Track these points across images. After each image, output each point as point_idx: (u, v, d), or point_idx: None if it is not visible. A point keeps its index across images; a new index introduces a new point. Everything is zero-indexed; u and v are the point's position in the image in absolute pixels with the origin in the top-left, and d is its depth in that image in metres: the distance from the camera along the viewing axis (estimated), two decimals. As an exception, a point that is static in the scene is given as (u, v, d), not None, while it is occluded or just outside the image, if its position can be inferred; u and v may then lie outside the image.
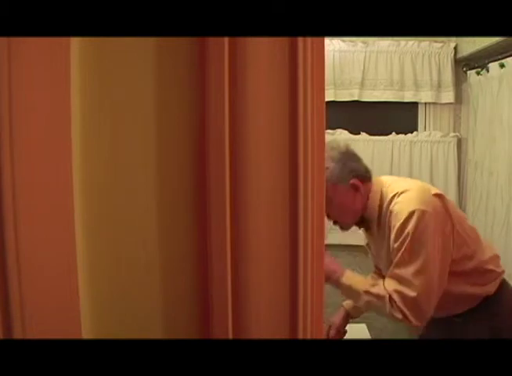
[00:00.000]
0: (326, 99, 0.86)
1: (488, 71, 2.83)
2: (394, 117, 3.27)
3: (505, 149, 2.66)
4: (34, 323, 0.76)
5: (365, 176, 1.75)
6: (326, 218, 1.71)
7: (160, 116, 0.81)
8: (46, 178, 0.75)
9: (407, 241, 1.58)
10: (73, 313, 0.78)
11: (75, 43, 0.76)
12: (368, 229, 1.83)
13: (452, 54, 3.08)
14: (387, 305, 1.59)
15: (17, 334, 0.75)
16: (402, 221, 1.60)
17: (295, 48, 0.78)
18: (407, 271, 1.58)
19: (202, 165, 0.81)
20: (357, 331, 2.10)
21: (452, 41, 3.07)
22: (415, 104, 3.23)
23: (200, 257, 0.83)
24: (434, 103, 3.17)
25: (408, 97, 3.12)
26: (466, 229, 1.72)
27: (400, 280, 1.59)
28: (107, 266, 0.82)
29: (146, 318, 0.84)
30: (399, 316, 1.59)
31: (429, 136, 3.14)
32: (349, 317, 2.05)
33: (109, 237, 0.82)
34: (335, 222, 1.79)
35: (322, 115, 0.83)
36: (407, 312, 1.58)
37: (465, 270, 1.69)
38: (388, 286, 1.62)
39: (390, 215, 1.66)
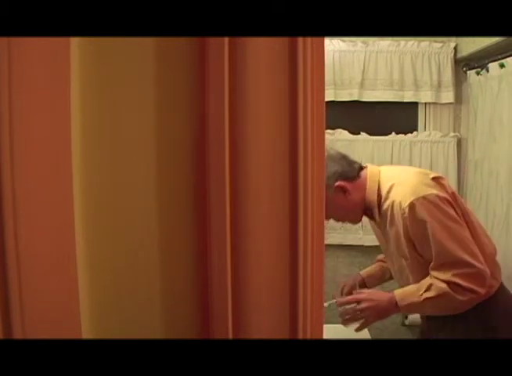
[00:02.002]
0: (326, 99, 0.86)
1: (487, 71, 2.82)
2: (394, 117, 3.26)
3: (505, 149, 2.66)
4: (34, 324, 0.76)
5: (350, 175, 1.73)
6: (328, 220, 1.71)
7: (160, 115, 0.81)
8: (46, 179, 0.75)
9: (429, 229, 1.57)
10: (72, 313, 0.78)
11: (75, 43, 0.76)
12: (371, 218, 1.82)
13: (452, 54, 3.07)
14: (452, 294, 1.56)
15: (17, 334, 0.75)
16: (408, 214, 1.59)
17: (295, 48, 0.78)
18: (450, 254, 1.57)
19: (202, 165, 0.81)
20: (357, 331, 2.10)
21: (451, 41, 3.07)
22: (415, 104, 3.22)
23: (199, 257, 0.83)
24: (434, 103, 3.16)
25: (408, 97, 3.12)
26: (470, 213, 1.74)
27: (450, 265, 1.57)
28: (107, 266, 0.82)
29: (145, 318, 0.84)
30: (469, 295, 1.56)
31: (429, 136, 3.14)
32: (365, 285, 2.04)
33: (109, 237, 0.82)
34: (343, 222, 1.79)
35: (322, 115, 0.83)
36: (475, 287, 1.56)
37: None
38: (442, 276, 1.59)
39: (392, 205, 1.65)
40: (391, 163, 3.13)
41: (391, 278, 2.04)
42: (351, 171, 1.74)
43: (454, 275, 1.57)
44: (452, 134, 3.16)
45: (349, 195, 1.71)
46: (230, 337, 0.81)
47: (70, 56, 0.75)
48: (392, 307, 1.67)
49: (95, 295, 0.81)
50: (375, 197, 1.71)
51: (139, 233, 0.83)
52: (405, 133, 3.17)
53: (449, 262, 1.58)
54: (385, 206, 1.69)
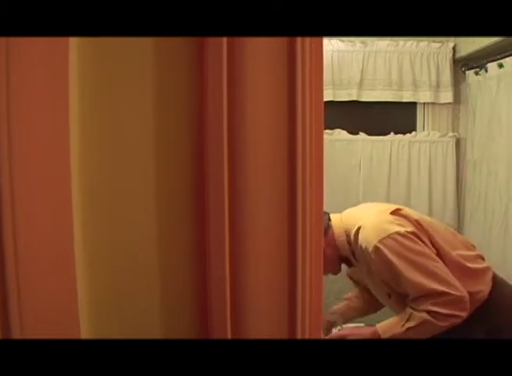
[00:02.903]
0: (325, 99, 0.86)
1: (486, 71, 2.82)
2: (392, 117, 3.26)
3: (503, 149, 2.66)
4: (32, 323, 0.76)
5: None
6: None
7: (159, 115, 0.81)
8: (45, 179, 0.75)
9: (397, 269, 1.60)
10: (71, 313, 0.78)
11: (73, 43, 0.76)
12: (350, 265, 1.86)
13: (451, 54, 3.07)
14: (433, 321, 1.59)
15: (15, 334, 0.75)
16: (374, 258, 1.62)
17: (293, 48, 0.78)
18: (423, 288, 1.59)
19: (201, 165, 0.81)
20: (356, 331, 2.10)
21: (450, 41, 3.07)
22: (413, 104, 3.22)
23: (198, 258, 0.83)
24: (432, 103, 3.16)
25: (406, 97, 3.12)
26: (440, 230, 1.74)
27: (426, 297, 1.60)
28: (106, 267, 0.82)
29: (144, 319, 0.84)
30: (451, 320, 1.59)
31: (428, 136, 3.14)
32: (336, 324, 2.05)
33: (108, 238, 0.82)
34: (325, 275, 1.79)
35: (320, 115, 0.83)
36: (455, 312, 1.58)
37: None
38: (419, 306, 1.62)
39: (361, 250, 1.68)
40: (390, 163, 3.14)
41: (359, 316, 2.06)
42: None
43: (432, 304, 1.60)
44: (450, 134, 3.17)
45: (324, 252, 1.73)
46: (229, 337, 0.81)
47: (68, 56, 0.75)
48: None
49: (93, 296, 0.81)
50: (347, 247, 1.75)
51: (138, 234, 0.82)
52: (404, 133, 3.17)
53: (424, 295, 1.61)
54: (357, 252, 1.72)
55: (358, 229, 1.69)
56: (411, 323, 1.63)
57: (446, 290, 1.58)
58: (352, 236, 1.71)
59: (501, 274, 1.81)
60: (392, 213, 1.68)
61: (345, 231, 1.75)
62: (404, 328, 1.64)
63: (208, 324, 0.82)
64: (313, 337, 0.84)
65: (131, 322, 0.83)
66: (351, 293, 2.07)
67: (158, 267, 0.83)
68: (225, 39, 0.76)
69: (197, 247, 0.82)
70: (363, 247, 1.65)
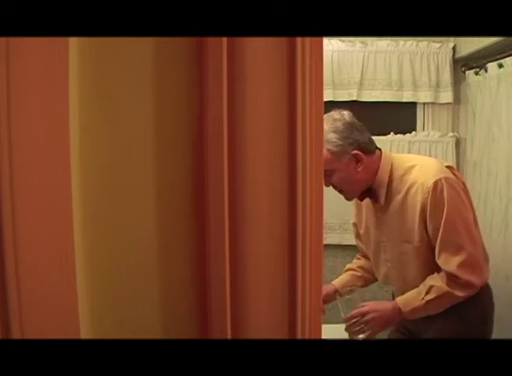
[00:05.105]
0: (325, 99, 0.86)
1: (486, 71, 2.82)
2: (392, 117, 3.26)
3: (503, 149, 2.66)
4: (33, 324, 0.76)
5: (368, 148, 1.76)
6: (328, 186, 1.73)
7: (159, 116, 0.81)
8: (44, 180, 0.75)
9: (445, 211, 1.62)
10: (71, 314, 0.78)
11: (73, 43, 0.76)
12: (374, 201, 1.82)
13: (451, 54, 3.07)
14: (451, 291, 1.63)
15: (15, 335, 0.75)
16: (431, 192, 1.64)
17: (293, 48, 0.78)
18: (459, 239, 1.64)
19: (201, 166, 0.81)
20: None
21: (450, 41, 3.07)
22: (413, 104, 3.22)
23: (198, 258, 0.83)
24: (432, 103, 3.16)
25: (406, 97, 3.12)
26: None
27: (454, 252, 1.63)
28: (106, 267, 0.82)
29: (144, 320, 0.84)
30: (467, 291, 1.63)
31: (427, 136, 3.14)
32: (336, 295, 2.01)
33: (108, 239, 0.82)
34: (340, 191, 1.79)
35: (320, 115, 0.83)
36: (473, 279, 1.62)
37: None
38: (448, 265, 1.64)
39: (411, 186, 1.69)
40: (390, 163, 3.14)
41: (363, 286, 2.06)
42: (370, 145, 1.79)
43: (459, 265, 1.62)
44: (450, 134, 3.17)
45: (360, 166, 1.74)
46: (229, 337, 0.81)
47: (68, 56, 0.75)
48: (396, 314, 1.72)
49: (93, 296, 0.81)
50: (386, 178, 1.75)
51: (138, 234, 0.82)
52: (404, 133, 3.17)
53: (455, 250, 1.64)
54: (400, 187, 1.73)
55: (413, 166, 1.73)
56: (431, 296, 1.67)
57: (473, 252, 1.64)
58: (400, 173, 1.73)
59: (501, 274, 1.82)
60: (447, 167, 1.73)
61: (391, 166, 1.76)
62: (424, 301, 1.68)
63: (208, 324, 0.82)
64: (313, 337, 0.84)
65: (131, 322, 0.83)
66: (354, 264, 2.08)
67: (158, 267, 0.83)
68: (225, 39, 0.76)
69: (197, 247, 0.82)
70: (419, 182, 1.67)
